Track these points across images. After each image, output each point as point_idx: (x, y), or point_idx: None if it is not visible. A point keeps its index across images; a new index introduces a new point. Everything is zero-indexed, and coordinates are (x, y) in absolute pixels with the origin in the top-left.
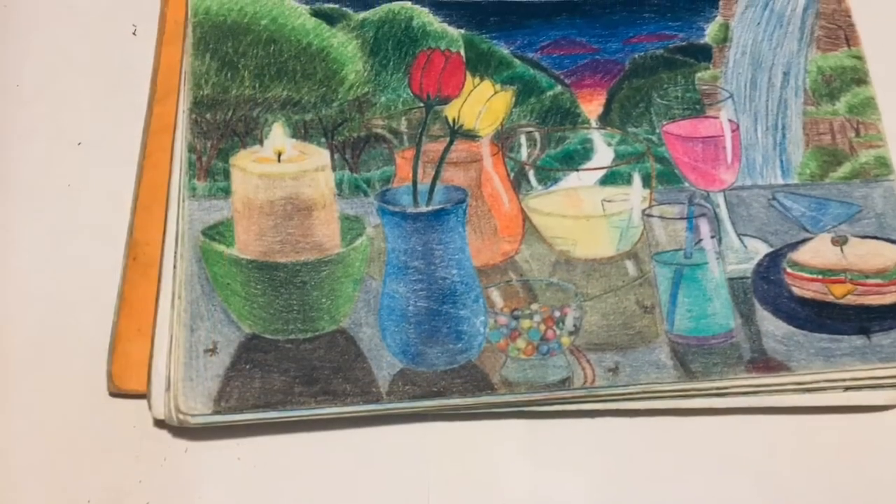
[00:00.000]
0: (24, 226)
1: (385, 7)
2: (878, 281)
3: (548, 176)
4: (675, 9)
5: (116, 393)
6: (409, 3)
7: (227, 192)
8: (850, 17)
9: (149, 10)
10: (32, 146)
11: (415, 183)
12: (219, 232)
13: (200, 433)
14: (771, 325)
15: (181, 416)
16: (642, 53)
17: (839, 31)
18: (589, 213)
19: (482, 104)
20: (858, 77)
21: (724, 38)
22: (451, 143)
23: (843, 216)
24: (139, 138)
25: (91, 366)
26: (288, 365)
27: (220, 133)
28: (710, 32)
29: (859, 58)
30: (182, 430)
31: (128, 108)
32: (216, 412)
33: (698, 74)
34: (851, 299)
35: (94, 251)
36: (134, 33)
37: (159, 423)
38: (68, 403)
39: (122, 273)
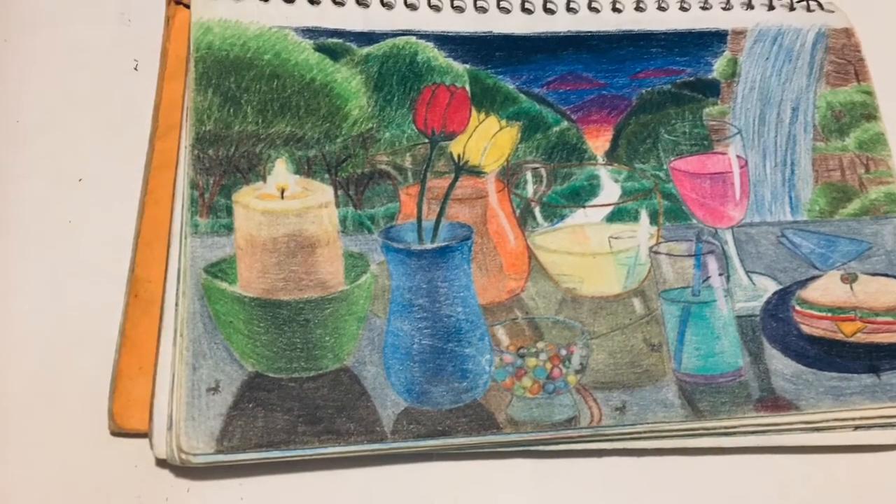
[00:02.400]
0: (24, 262)
1: (389, 42)
2: (889, 319)
3: (554, 213)
4: (682, 44)
5: (118, 432)
6: (413, 38)
7: (229, 228)
8: (859, 51)
9: (150, 46)
10: (33, 182)
11: (419, 220)
12: (221, 269)
13: (203, 473)
14: (780, 364)
15: (183, 456)
16: (649, 89)
17: (848, 66)
18: (595, 250)
19: (487, 140)
20: (868, 112)
21: (733, 74)
22: (456, 179)
23: (853, 253)
24: (140, 174)
25: (92, 405)
26: (291, 404)
27: (223, 169)
28: (718, 67)
29: (869, 93)
30: (184, 470)
31: (129, 144)
32: (219, 451)
33: (706, 110)
34: (861, 337)
35: (95, 288)
36: (135, 68)
37: (161, 463)
38: (69, 443)
39: (123, 310)
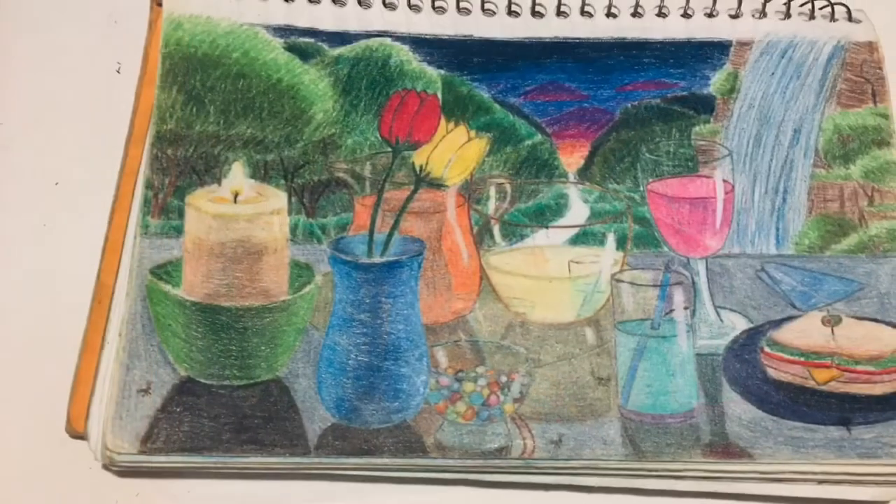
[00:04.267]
0: None
1: (363, 43)
2: (869, 368)
3: (514, 232)
4: (679, 54)
5: (75, 435)
6: (388, 40)
7: (179, 231)
8: (881, 69)
9: (134, 48)
10: (10, 185)
11: (371, 232)
12: (167, 271)
13: (152, 477)
14: (738, 408)
15: (108, 454)
16: (635, 103)
17: (866, 84)
18: (553, 274)
19: (453, 152)
20: (881, 138)
21: (732, 89)
22: (414, 191)
23: (840, 294)
24: (115, 180)
25: (54, 408)
26: (219, 411)
27: (180, 170)
28: (716, 82)
29: (885, 116)
30: (133, 474)
31: (107, 149)
32: (142, 452)
33: (696, 128)
34: (834, 386)
35: (66, 293)
36: (118, 71)
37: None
38: (30, 444)
39: (87, 316)
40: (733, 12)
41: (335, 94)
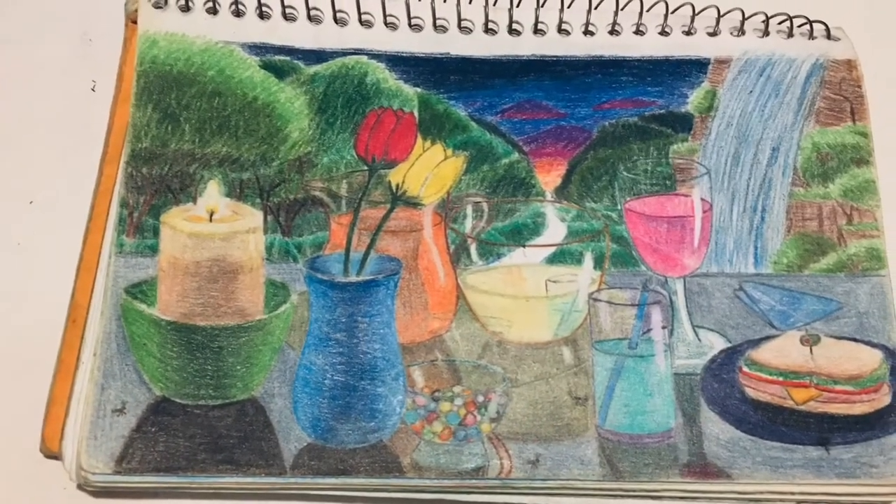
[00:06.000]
0: None
1: (339, 61)
2: (848, 388)
3: (490, 251)
4: (657, 72)
5: (50, 455)
6: (364, 58)
7: (154, 249)
8: (860, 87)
9: (109, 66)
10: None
11: (347, 251)
12: (142, 290)
13: (127, 497)
14: (716, 428)
15: (83, 474)
16: (613, 121)
17: (844, 103)
18: (529, 293)
19: (429, 170)
20: (860, 157)
21: (710, 107)
22: (391, 210)
23: (819, 313)
24: (90, 198)
25: (30, 427)
26: (194, 431)
27: (155, 188)
28: (694, 100)
29: (864, 135)
30: (108, 494)
31: (83, 167)
32: (117, 472)
33: (674, 147)
34: (813, 406)
35: (41, 312)
36: (93, 89)
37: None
38: (5, 464)
39: (62, 336)
40: (711, 30)
41: (311, 112)
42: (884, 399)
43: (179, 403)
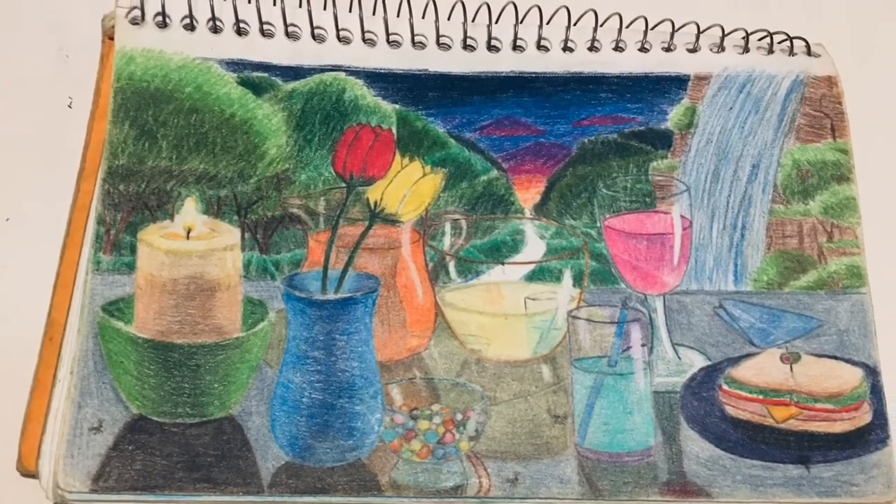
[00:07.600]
0: None
1: (317, 78)
2: (829, 406)
3: (469, 268)
4: (636, 89)
5: (26, 473)
6: (342, 75)
7: (131, 267)
8: (840, 103)
9: (86, 83)
10: None
11: (325, 268)
12: (119, 308)
13: None
14: (695, 447)
15: (59, 493)
16: (592, 138)
17: (825, 119)
18: (508, 311)
19: (408, 187)
20: (840, 174)
21: (689, 124)
22: (369, 227)
23: (799, 331)
24: (67, 215)
25: (7, 446)
26: (171, 449)
27: (132, 206)
28: (674, 117)
29: (845, 152)
30: None
31: (59, 184)
32: (93, 491)
33: (654, 164)
34: (793, 424)
35: (17, 329)
36: (70, 105)
37: None
38: None
39: (38, 353)
40: (691, 46)
41: (289, 128)
42: (864, 417)
43: (157, 422)
